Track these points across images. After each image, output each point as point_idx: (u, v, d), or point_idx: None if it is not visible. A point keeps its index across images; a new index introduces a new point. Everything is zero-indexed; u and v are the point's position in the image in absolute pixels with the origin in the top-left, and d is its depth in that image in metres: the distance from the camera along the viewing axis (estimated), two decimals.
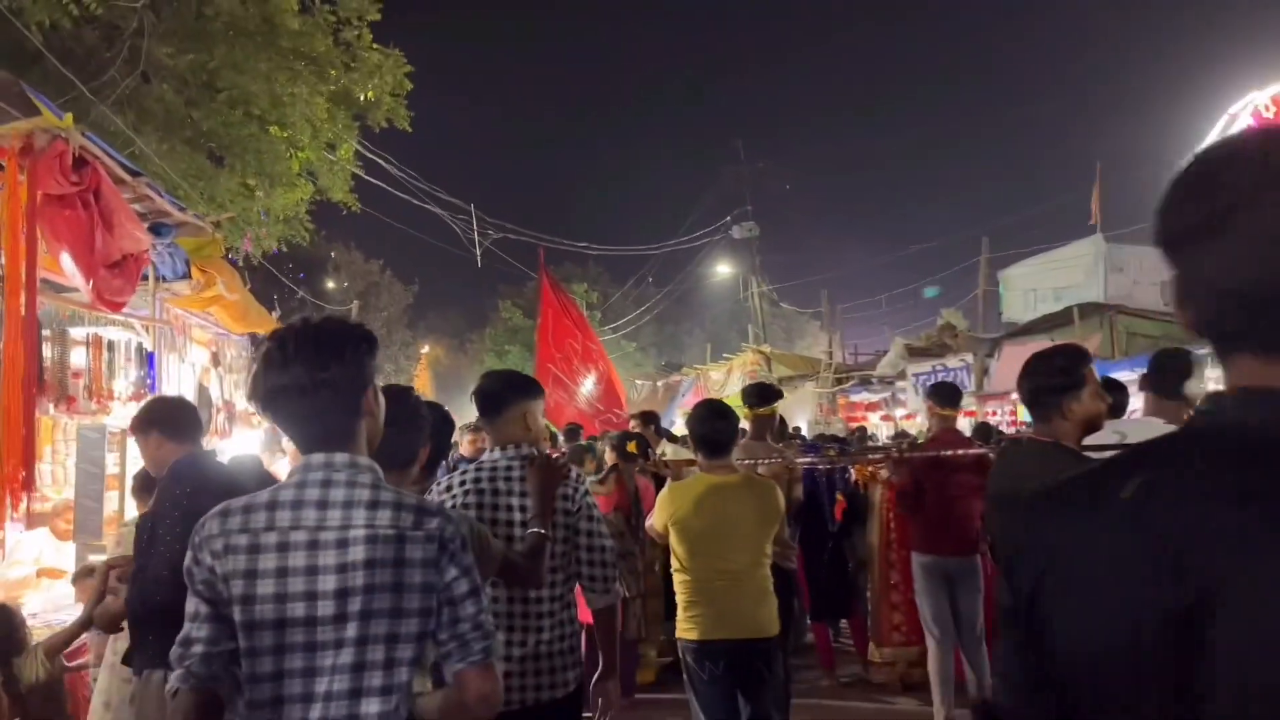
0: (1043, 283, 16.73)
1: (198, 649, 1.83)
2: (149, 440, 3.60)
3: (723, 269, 33.39)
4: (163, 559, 3.21)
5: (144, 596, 3.28)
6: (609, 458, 6.56)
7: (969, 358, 18.41)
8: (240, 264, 12.44)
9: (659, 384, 34.75)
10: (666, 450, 8.19)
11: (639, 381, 37.88)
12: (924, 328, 22.88)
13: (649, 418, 8.39)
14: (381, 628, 1.80)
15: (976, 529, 5.96)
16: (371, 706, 1.79)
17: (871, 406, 22.32)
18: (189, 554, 1.87)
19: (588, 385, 13.24)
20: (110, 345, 5.81)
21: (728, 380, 29.30)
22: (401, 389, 2.72)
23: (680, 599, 4.00)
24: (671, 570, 4.07)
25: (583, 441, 8.04)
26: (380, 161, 18.76)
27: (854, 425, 21.01)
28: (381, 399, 2.06)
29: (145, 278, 6.38)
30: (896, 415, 22.12)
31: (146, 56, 8.68)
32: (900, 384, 21.20)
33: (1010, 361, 17.18)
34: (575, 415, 12.78)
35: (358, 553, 1.81)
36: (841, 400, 24.33)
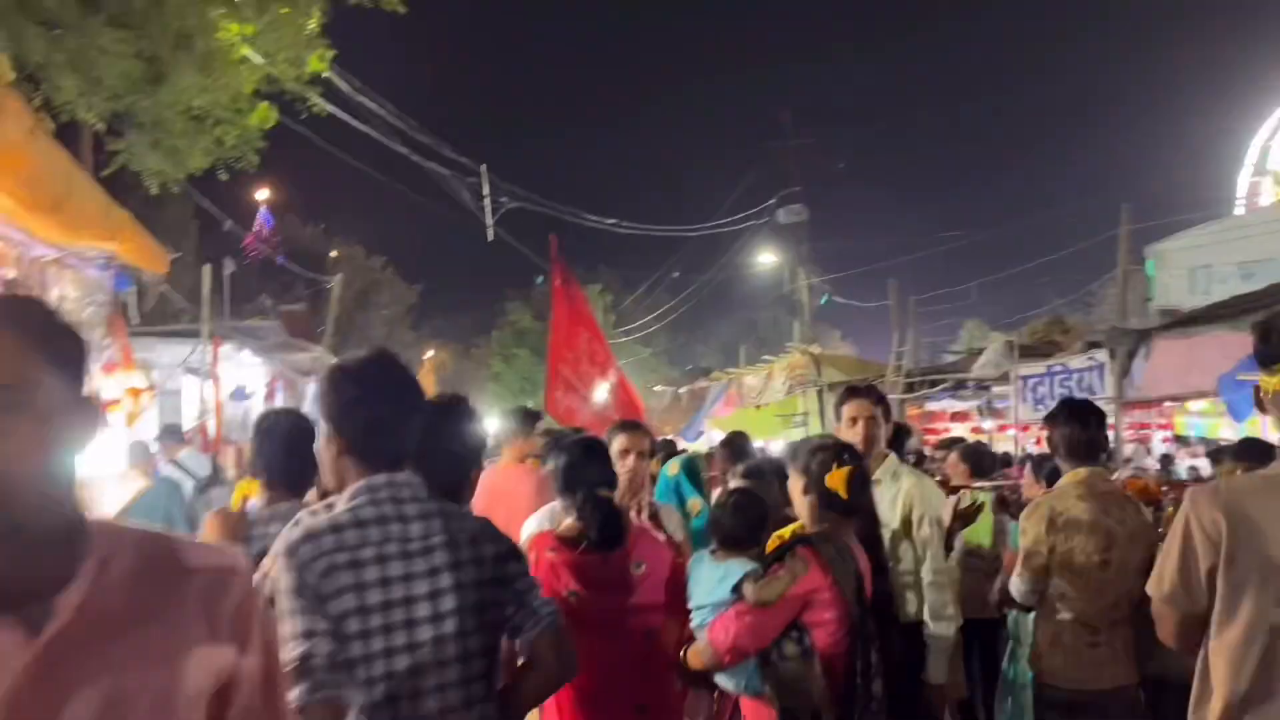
0: (1220, 257, 13.08)
1: (320, 661, 1.90)
2: None
3: (764, 259, 29.71)
4: None
5: None
6: (800, 503, 2.88)
7: (1100, 356, 14.74)
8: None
9: (681, 391, 31.32)
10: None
11: (658, 388, 34.54)
12: (1024, 321, 19.25)
13: (737, 447, 5.66)
14: (472, 620, 2.05)
15: None
16: (475, 691, 2.06)
17: (959, 416, 18.73)
18: (290, 577, 1.93)
19: (601, 391, 11.58)
20: None
21: (766, 387, 25.71)
22: (455, 398, 2.70)
23: None
24: None
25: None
26: (371, 105, 15.24)
27: (935, 438, 17.44)
28: None
29: None
30: (985, 426, 18.63)
31: None
32: (999, 389, 17.54)
33: (1166, 359, 13.52)
34: (589, 421, 10.89)
35: (442, 557, 2.05)
36: (913, 410, 20.63)
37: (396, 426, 2.14)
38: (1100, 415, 3.80)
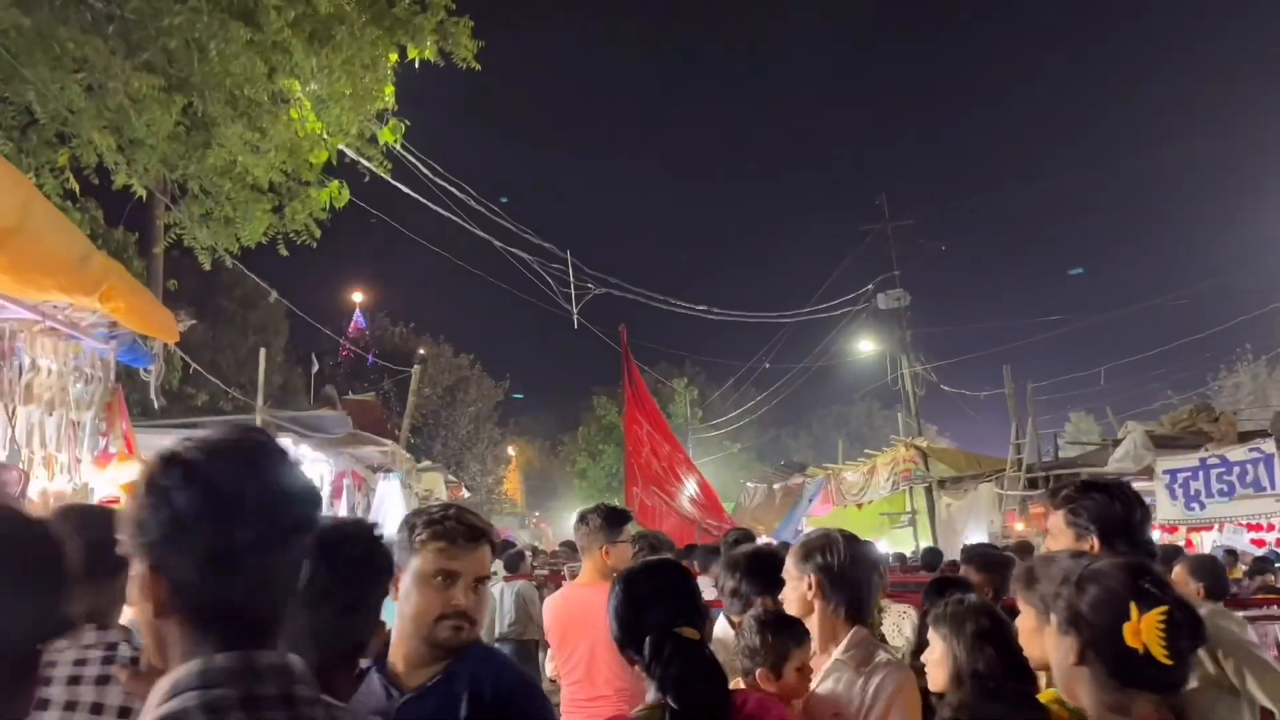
0: None
1: None
2: None
3: (863, 346, 28.20)
4: None
5: None
6: (1065, 674, 1.58)
7: (1268, 446, 13.04)
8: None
9: (776, 487, 29.72)
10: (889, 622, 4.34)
11: (750, 484, 32.98)
12: (1156, 413, 17.49)
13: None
14: None
15: None
16: None
17: None
18: None
19: (687, 488, 11.25)
20: None
21: (869, 484, 24.05)
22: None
23: None
24: None
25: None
26: (460, 194, 14.68)
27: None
28: None
29: None
30: None
31: None
32: (1142, 484, 15.77)
33: None
34: (677, 524, 10.71)
35: None
36: (1036, 507, 18.90)
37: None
38: None
